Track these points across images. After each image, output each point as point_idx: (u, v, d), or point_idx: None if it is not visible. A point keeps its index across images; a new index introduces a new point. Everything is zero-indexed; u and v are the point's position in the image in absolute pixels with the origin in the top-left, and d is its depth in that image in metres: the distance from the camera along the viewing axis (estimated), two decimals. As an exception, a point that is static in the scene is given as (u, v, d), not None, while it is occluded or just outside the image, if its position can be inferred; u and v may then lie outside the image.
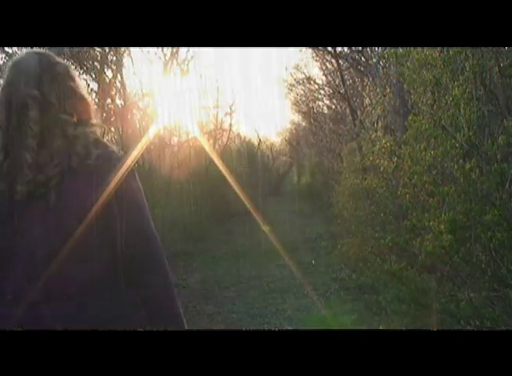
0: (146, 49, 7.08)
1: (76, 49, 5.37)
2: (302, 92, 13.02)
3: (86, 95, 1.22)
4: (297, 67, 11.77)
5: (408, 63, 2.89)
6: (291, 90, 13.46)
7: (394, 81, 4.17)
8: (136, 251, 1.13)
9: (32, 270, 1.05)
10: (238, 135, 16.82)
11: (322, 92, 11.49)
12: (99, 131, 1.21)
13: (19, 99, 1.08)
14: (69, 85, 1.17)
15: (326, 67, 9.92)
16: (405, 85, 3.02)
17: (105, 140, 1.20)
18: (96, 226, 1.07)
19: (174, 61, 7.63)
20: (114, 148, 1.17)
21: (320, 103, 12.20)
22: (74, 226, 1.04)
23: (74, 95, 1.17)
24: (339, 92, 8.34)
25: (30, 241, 1.04)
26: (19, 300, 1.06)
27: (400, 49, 2.95)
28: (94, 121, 1.20)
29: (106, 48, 5.95)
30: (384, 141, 3.45)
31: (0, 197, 1.05)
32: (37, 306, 1.06)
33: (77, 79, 1.21)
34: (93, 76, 5.95)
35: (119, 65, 6.27)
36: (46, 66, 1.17)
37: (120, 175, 1.10)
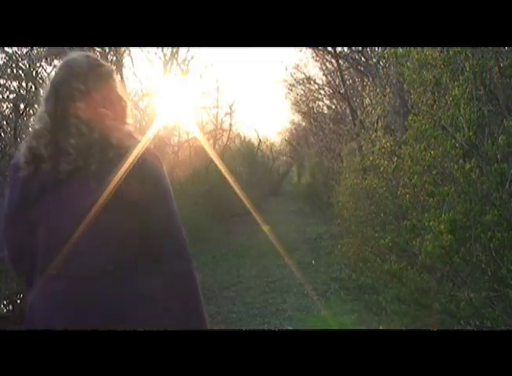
0: (145, 49, 7.08)
1: (76, 49, 5.36)
2: (302, 92, 13.04)
3: (124, 96, 1.34)
4: (297, 67, 11.78)
5: (408, 63, 2.89)
6: (291, 90, 13.48)
7: (394, 81, 4.17)
8: (161, 233, 1.22)
9: (75, 249, 1.15)
10: (238, 135, 16.83)
11: (322, 92, 11.50)
12: (132, 128, 1.32)
13: (67, 91, 1.22)
14: (110, 85, 1.30)
15: (326, 67, 9.92)
16: (405, 85, 3.02)
17: (137, 135, 1.30)
18: (127, 210, 1.18)
19: (174, 61, 7.63)
20: (139, 137, 1.28)
21: (320, 103, 12.21)
22: (112, 211, 1.16)
23: (114, 93, 1.30)
24: (339, 92, 8.34)
25: (69, 218, 1.16)
26: (63, 274, 1.17)
27: (400, 49, 2.95)
28: (129, 118, 1.33)
29: (106, 48, 5.95)
30: (383, 141, 3.45)
31: (45, 176, 1.18)
32: (79, 281, 1.16)
33: (117, 81, 1.34)
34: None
35: (119, 65, 6.26)
36: (93, 65, 1.30)
37: (147, 162, 1.22)
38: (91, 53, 1.43)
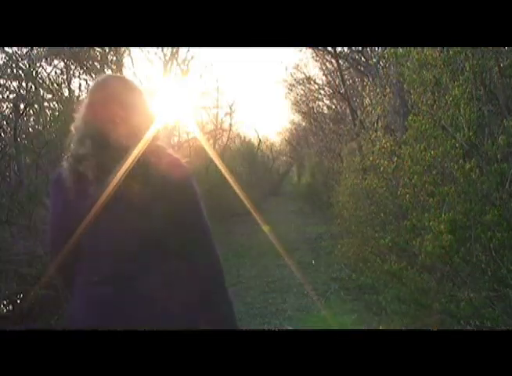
0: (145, 49, 7.08)
1: (76, 49, 5.36)
2: (302, 92, 13.04)
3: (155, 115, 1.44)
4: (297, 67, 11.77)
5: (408, 63, 2.89)
6: (291, 90, 13.47)
7: (394, 81, 4.17)
8: (194, 239, 1.39)
9: (117, 255, 1.30)
10: (238, 135, 16.82)
11: (322, 92, 11.50)
12: (165, 143, 1.47)
13: (108, 117, 1.33)
14: (145, 107, 1.41)
15: (326, 67, 9.92)
16: (405, 85, 3.02)
17: (169, 149, 1.44)
18: (166, 216, 1.31)
19: (174, 61, 7.63)
20: (175, 155, 1.42)
21: (320, 103, 12.21)
22: (151, 222, 1.30)
23: (148, 115, 1.41)
24: (339, 92, 8.34)
25: (117, 235, 1.30)
26: (105, 278, 1.30)
27: (400, 49, 2.95)
28: (161, 135, 1.45)
29: (106, 48, 5.95)
30: (383, 141, 3.45)
31: (91, 198, 1.28)
32: (131, 282, 1.30)
33: (148, 102, 1.44)
34: (93, 76, 5.95)
35: (119, 65, 6.26)
36: (130, 89, 1.41)
37: (181, 175, 1.37)
38: (124, 76, 1.56)
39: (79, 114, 1.41)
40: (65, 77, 5.52)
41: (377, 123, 4.70)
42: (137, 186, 1.28)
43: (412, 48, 2.83)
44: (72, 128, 1.43)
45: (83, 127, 1.37)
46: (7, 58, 4.29)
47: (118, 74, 1.52)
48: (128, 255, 1.30)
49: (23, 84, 4.36)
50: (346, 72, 8.25)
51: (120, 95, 1.37)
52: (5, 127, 4.05)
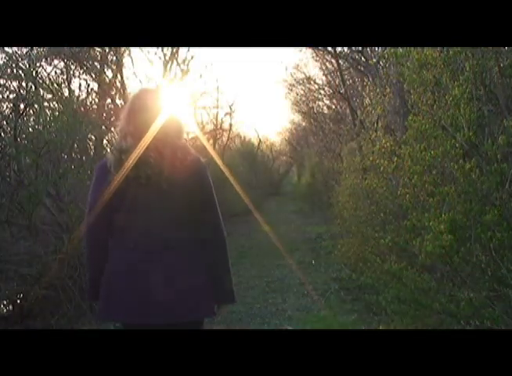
0: (146, 49, 7.07)
1: (76, 49, 5.36)
2: (302, 92, 13.02)
3: (180, 119, 1.83)
4: (297, 67, 11.76)
5: (408, 63, 2.89)
6: (291, 90, 13.46)
7: (394, 81, 4.17)
8: (206, 224, 1.74)
9: (148, 230, 1.68)
10: (238, 135, 16.81)
11: (322, 92, 11.49)
12: (185, 142, 1.83)
13: (145, 120, 1.69)
14: (171, 114, 1.76)
15: (326, 67, 9.92)
16: (405, 85, 3.02)
17: (191, 149, 1.79)
18: (186, 207, 1.70)
19: (174, 61, 7.62)
20: (197, 154, 1.78)
21: (320, 103, 12.20)
22: (176, 206, 1.69)
23: (177, 121, 1.80)
24: (339, 92, 8.34)
25: (148, 212, 1.68)
26: (137, 248, 1.67)
27: (400, 49, 2.94)
28: (184, 137, 1.86)
29: (106, 48, 5.94)
30: (383, 141, 3.44)
31: (132, 182, 1.65)
32: (151, 253, 1.67)
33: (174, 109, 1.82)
34: (93, 76, 5.95)
35: (119, 65, 6.26)
36: (160, 100, 1.76)
37: (201, 173, 1.76)
38: (156, 88, 1.94)
39: (122, 117, 1.76)
40: (65, 77, 5.52)
41: (377, 123, 4.69)
42: (165, 175, 1.65)
43: (412, 48, 2.83)
44: (117, 128, 1.80)
45: (125, 127, 1.72)
46: (7, 58, 4.29)
47: (153, 88, 2.02)
48: (155, 230, 1.67)
49: (23, 84, 4.36)
50: (346, 72, 8.24)
51: (157, 102, 1.73)
52: (5, 127, 4.05)
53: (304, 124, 16.24)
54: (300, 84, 12.39)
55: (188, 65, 7.76)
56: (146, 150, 1.65)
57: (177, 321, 1.60)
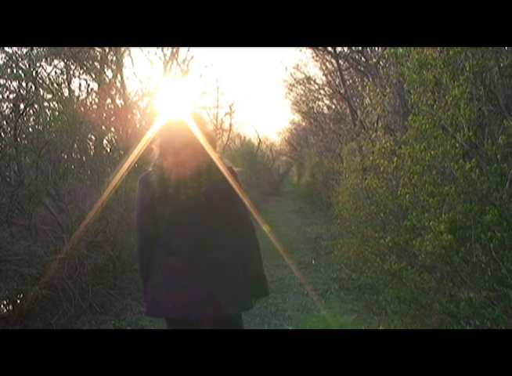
0: (146, 49, 7.07)
1: (76, 49, 5.36)
2: (302, 92, 13.01)
3: (213, 137, 2.05)
4: (297, 67, 11.75)
5: (408, 63, 2.88)
6: (291, 90, 13.45)
7: (394, 81, 4.16)
8: (240, 230, 1.95)
9: (188, 234, 1.90)
10: (238, 135, 16.80)
11: (322, 92, 11.48)
12: (219, 154, 1.98)
13: (182, 141, 1.90)
14: (206, 134, 1.95)
15: (326, 67, 9.90)
16: (405, 85, 3.01)
17: (224, 159, 2.00)
18: (224, 210, 1.91)
19: (174, 61, 7.62)
20: (229, 163, 1.99)
21: (320, 103, 12.19)
22: (213, 213, 1.90)
23: (211, 136, 1.98)
24: (339, 92, 8.33)
25: (189, 221, 1.90)
26: (179, 251, 1.90)
27: (400, 49, 2.94)
28: (217, 147, 2.03)
29: (106, 48, 5.94)
30: (384, 141, 3.44)
31: (172, 196, 1.86)
32: (192, 255, 1.88)
33: (208, 129, 2.05)
34: (93, 76, 5.94)
35: (119, 65, 6.26)
36: (203, 120, 2.02)
37: (234, 181, 1.94)
38: (198, 112, 2.11)
39: (159, 136, 1.95)
40: (65, 77, 5.51)
41: (377, 123, 4.69)
42: (203, 189, 1.85)
43: (412, 48, 2.82)
44: (154, 146, 1.97)
45: (165, 144, 1.91)
46: (7, 58, 4.29)
47: (191, 110, 2.11)
48: (195, 234, 1.90)
49: (23, 84, 4.36)
50: (346, 72, 8.24)
51: (190, 125, 1.91)
52: (5, 127, 4.04)
53: (304, 124, 16.23)
54: (300, 84, 12.38)
55: (188, 65, 7.76)
56: (184, 169, 1.87)
57: (220, 315, 1.82)
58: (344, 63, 7.81)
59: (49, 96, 4.74)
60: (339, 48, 7.21)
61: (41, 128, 4.28)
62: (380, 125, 4.31)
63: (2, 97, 4.26)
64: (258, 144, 18.78)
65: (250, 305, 1.95)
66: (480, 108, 2.49)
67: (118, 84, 6.42)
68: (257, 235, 1.99)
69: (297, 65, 11.68)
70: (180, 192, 1.85)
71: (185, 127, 1.90)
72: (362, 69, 7.10)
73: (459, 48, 2.48)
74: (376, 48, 6.24)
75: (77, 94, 5.56)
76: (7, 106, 4.26)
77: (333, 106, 10.63)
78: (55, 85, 4.69)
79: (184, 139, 1.88)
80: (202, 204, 1.86)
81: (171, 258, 1.89)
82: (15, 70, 4.31)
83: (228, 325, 1.85)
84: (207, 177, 1.87)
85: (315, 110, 12.59)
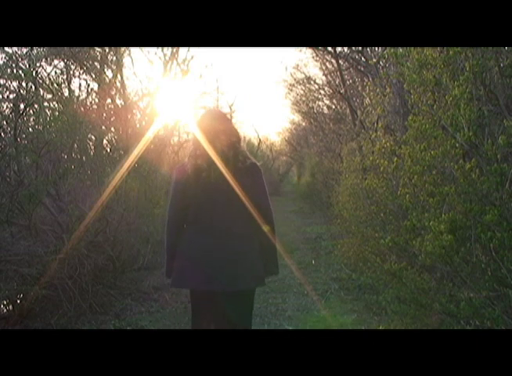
0: (146, 49, 7.07)
1: (76, 49, 5.36)
2: (302, 92, 13.01)
3: (239, 131, 2.37)
4: (297, 67, 11.74)
5: (408, 63, 2.88)
6: (291, 90, 13.45)
7: (394, 81, 4.16)
8: (260, 212, 2.21)
9: (215, 218, 2.18)
10: (238, 135, 16.74)
11: (322, 92, 11.47)
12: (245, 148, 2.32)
13: (215, 132, 2.23)
14: (233, 128, 2.34)
15: (326, 67, 9.90)
16: (405, 85, 3.01)
17: (248, 153, 2.31)
18: (245, 199, 2.14)
19: (174, 61, 7.62)
20: (253, 158, 2.29)
21: (320, 103, 12.18)
22: (235, 199, 2.14)
23: (237, 131, 2.33)
24: (339, 92, 8.33)
25: (215, 205, 2.17)
26: (206, 233, 2.18)
27: (400, 49, 2.94)
28: (243, 144, 2.33)
29: (106, 48, 5.94)
30: (384, 141, 3.44)
31: (203, 179, 2.17)
32: (217, 237, 2.17)
33: (234, 124, 2.41)
34: (93, 76, 5.94)
35: (119, 65, 6.26)
36: (225, 117, 2.37)
37: (256, 172, 2.25)
38: (220, 109, 2.61)
39: (196, 129, 2.25)
40: (65, 77, 5.51)
41: (377, 123, 4.69)
42: (230, 174, 2.12)
43: (412, 48, 2.82)
44: (191, 140, 2.33)
45: (197, 138, 2.22)
46: (7, 58, 4.29)
47: (218, 108, 2.44)
48: (221, 219, 2.17)
49: (23, 84, 4.36)
50: (346, 72, 8.24)
51: (221, 119, 2.29)
52: (5, 127, 4.04)
53: (304, 124, 16.22)
54: (300, 84, 12.38)
55: (188, 65, 7.76)
56: (215, 156, 2.15)
57: (238, 289, 2.13)
58: (344, 63, 7.80)
59: (49, 96, 4.74)
60: (339, 48, 7.21)
61: (41, 128, 4.27)
62: (380, 125, 4.31)
63: (2, 97, 4.26)
64: (258, 144, 18.78)
65: (263, 283, 2.28)
66: (480, 108, 2.48)
67: (118, 84, 6.42)
68: (274, 223, 2.27)
69: (297, 65, 11.69)
70: (210, 175, 2.14)
71: (216, 121, 2.24)
72: (362, 69, 7.10)
73: (459, 48, 2.48)
74: (376, 48, 6.24)
75: (77, 94, 5.55)
76: (7, 106, 4.26)
77: (333, 106, 10.63)
78: (55, 85, 4.69)
79: (215, 131, 2.20)
80: (227, 190, 2.13)
81: (198, 239, 2.18)
82: (15, 70, 4.31)
83: (242, 298, 2.19)
84: (233, 164, 2.16)
85: (315, 110, 12.59)
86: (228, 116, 2.48)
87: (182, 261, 2.21)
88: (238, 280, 2.13)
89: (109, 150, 5.91)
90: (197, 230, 2.21)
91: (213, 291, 2.12)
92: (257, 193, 2.20)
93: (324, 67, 10.05)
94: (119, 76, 6.39)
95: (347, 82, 8.34)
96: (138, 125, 6.82)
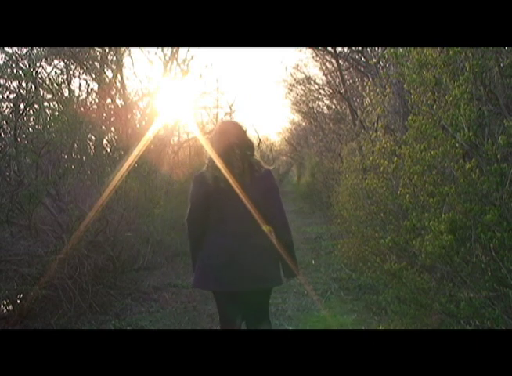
0: (146, 49, 7.08)
1: (76, 49, 5.36)
2: (302, 92, 13.01)
3: (254, 142, 2.55)
4: (297, 67, 11.74)
5: (408, 63, 2.88)
6: (291, 90, 13.44)
7: (394, 81, 4.16)
8: (275, 214, 2.40)
9: (235, 222, 2.35)
10: (238, 135, 16.72)
11: (322, 92, 11.47)
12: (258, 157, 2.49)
13: (231, 145, 2.38)
14: (249, 139, 2.48)
15: (326, 67, 9.90)
16: (405, 85, 3.01)
17: (262, 162, 2.49)
18: (262, 202, 2.33)
19: (174, 61, 7.62)
20: (267, 166, 2.47)
21: (320, 103, 12.18)
22: (254, 203, 2.30)
23: (252, 142, 2.49)
24: (339, 92, 8.33)
25: (234, 209, 2.33)
26: (227, 235, 2.35)
27: (400, 49, 2.94)
28: (257, 154, 2.50)
29: (106, 48, 5.94)
30: (384, 141, 3.44)
31: (222, 189, 2.33)
32: (237, 239, 2.34)
33: (249, 135, 2.51)
34: (93, 76, 5.95)
35: (119, 65, 6.26)
36: (240, 129, 2.47)
37: (270, 180, 2.43)
38: (238, 122, 2.58)
39: (212, 141, 2.43)
40: (65, 77, 5.51)
41: (377, 123, 4.69)
42: (247, 180, 2.33)
43: (412, 48, 2.82)
44: (209, 151, 2.43)
45: (215, 150, 2.37)
46: (7, 58, 4.29)
47: (234, 120, 2.71)
48: (240, 222, 2.33)
49: (23, 84, 4.36)
50: (346, 72, 8.24)
51: (235, 133, 2.42)
52: (5, 127, 4.04)
53: (304, 124, 16.22)
54: (300, 84, 12.37)
55: (188, 65, 7.77)
56: (232, 167, 2.33)
57: (257, 288, 2.33)
58: (344, 63, 7.80)
59: (49, 96, 4.74)
60: (339, 48, 7.21)
61: (41, 128, 4.28)
62: (380, 125, 4.31)
63: (2, 97, 4.26)
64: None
65: (280, 283, 2.46)
66: (480, 108, 2.48)
67: (118, 84, 6.43)
68: (290, 227, 2.47)
69: (297, 65, 11.68)
70: (229, 186, 2.29)
71: (231, 134, 2.40)
72: (362, 69, 7.10)
73: (459, 48, 2.47)
74: (376, 48, 6.24)
75: (77, 94, 5.56)
76: (7, 106, 4.26)
77: (333, 106, 10.63)
78: (55, 85, 4.69)
79: (230, 145, 2.36)
80: (245, 196, 2.31)
81: (220, 241, 2.34)
82: (15, 70, 4.31)
83: (260, 296, 2.43)
84: (249, 173, 2.35)
85: (315, 110, 12.59)
86: (244, 127, 2.68)
87: (204, 264, 2.37)
88: (255, 280, 2.31)
89: (109, 150, 5.91)
90: (218, 234, 2.36)
91: (234, 291, 2.31)
92: (270, 198, 2.38)
93: (324, 67, 10.06)
94: (119, 76, 6.40)
95: (347, 82, 8.34)
96: (138, 125, 6.83)
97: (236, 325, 2.28)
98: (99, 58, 6.10)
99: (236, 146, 2.37)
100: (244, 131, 2.47)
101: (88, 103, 5.73)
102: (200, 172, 2.45)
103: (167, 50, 7.37)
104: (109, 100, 6.28)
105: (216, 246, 2.35)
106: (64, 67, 5.53)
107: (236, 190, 2.31)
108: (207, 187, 2.35)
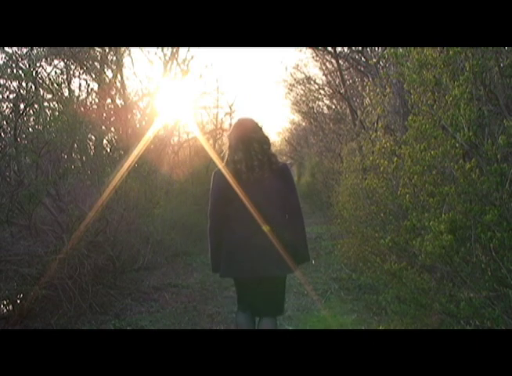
0: (146, 49, 7.08)
1: (76, 49, 5.36)
2: (302, 92, 13.00)
3: (269, 137, 2.66)
4: (297, 67, 11.74)
5: (408, 63, 2.88)
6: (291, 90, 13.44)
7: (394, 81, 4.16)
8: (292, 203, 2.56)
9: (258, 208, 2.43)
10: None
11: (322, 92, 11.47)
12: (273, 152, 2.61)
13: (249, 140, 2.52)
14: (265, 135, 2.62)
15: (326, 67, 9.90)
16: (405, 85, 3.01)
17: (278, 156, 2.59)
18: (279, 195, 2.51)
19: (174, 61, 7.63)
20: (282, 160, 3.05)
21: (320, 103, 12.18)
22: (272, 196, 2.49)
23: (268, 137, 2.62)
24: (339, 92, 8.33)
25: (256, 201, 2.42)
26: (247, 228, 2.47)
27: (400, 49, 2.94)
28: (272, 148, 2.64)
29: (106, 48, 5.94)
30: (384, 141, 3.44)
31: (243, 181, 2.46)
32: (256, 231, 2.45)
33: (265, 131, 2.64)
34: (93, 76, 5.95)
35: (119, 65, 6.26)
36: (257, 126, 2.60)
37: (287, 172, 2.59)
38: (254, 119, 2.66)
39: (231, 137, 2.57)
40: (65, 77, 5.51)
41: (377, 123, 4.69)
42: (266, 175, 2.47)
43: (412, 48, 2.82)
44: (228, 146, 2.58)
45: (235, 145, 2.52)
46: (7, 58, 4.29)
47: (250, 118, 2.69)
48: (265, 211, 2.42)
49: (23, 84, 4.36)
50: (346, 72, 8.24)
51: (253, 128, 2.57)
52: (5, 127, 4.04)
53: (304, 124, 16.22)
54: (300, 84, 12.37)
55: (188, 65, 7.77)
56: (251, 160, 2.47)
57: (273, 275, 2.51)
58: (344, 63, 7.81)
59: (49, 96, 4.74)
60: (339, 48, 7.21)
61: (41, 128, 4.27)
62: (380, 125, 4.31)
63: (2, 97, 4.26)
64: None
65: (292, 271, 2.55)
66: (480, 108, 2.48)
67: (118, 84, 6.43)
68: (303, 217, 2.61)
69: (297, 65, 11.68)
70: (249, 177, 2.45)
71: (249, 130, 2.54)
72: (362, 69, 7.10)
73: (459, 48, 2.47)
74: (376, 48, 6.24)
75: (77, 94, 5.56)
76: (7, 106, 4.26)
77: (333, 106, 10.64)
78: (55, 85, 4.69)
79: (249, 139, 2.50)
80: (264, 189, 2.47)
81: (240, 234, 2.49)
82: (15, 70, 4.31)
83: (277, 282, 2.59)
84: (268, 166, 2.48)
85: (315, 110, 12.59)
86: (260, 124, 2.88)
87: (228, 255, 2.53)
88: (270, 269, 2.48)
89: (109, 150, 5.91)
90: (237, 228, 2.50)
91: (252, 278, 2.51)
92: (287, 191, 2.54)
93: (324, 67, 10.05)
94: (119, 76, 6.40)
95: (347, 82, 8.34)
96: (138, 125, 6.83)
97: (249, 310, 2.52)
98: (99, 58, 6.10)
99: (254, 140, 2.50)
100: (260, 127, 2.60)
101: (88, 103, 5.73)
102: (218, 168, 2.57)
103: (167, 50, 7.38)
104: (109, 100, 6.28)
105: (236, 240, 2.50)
106: (64, 67, 5.54)
107: (258, 182, 2.45)
108: (226, 181, 2.46)
